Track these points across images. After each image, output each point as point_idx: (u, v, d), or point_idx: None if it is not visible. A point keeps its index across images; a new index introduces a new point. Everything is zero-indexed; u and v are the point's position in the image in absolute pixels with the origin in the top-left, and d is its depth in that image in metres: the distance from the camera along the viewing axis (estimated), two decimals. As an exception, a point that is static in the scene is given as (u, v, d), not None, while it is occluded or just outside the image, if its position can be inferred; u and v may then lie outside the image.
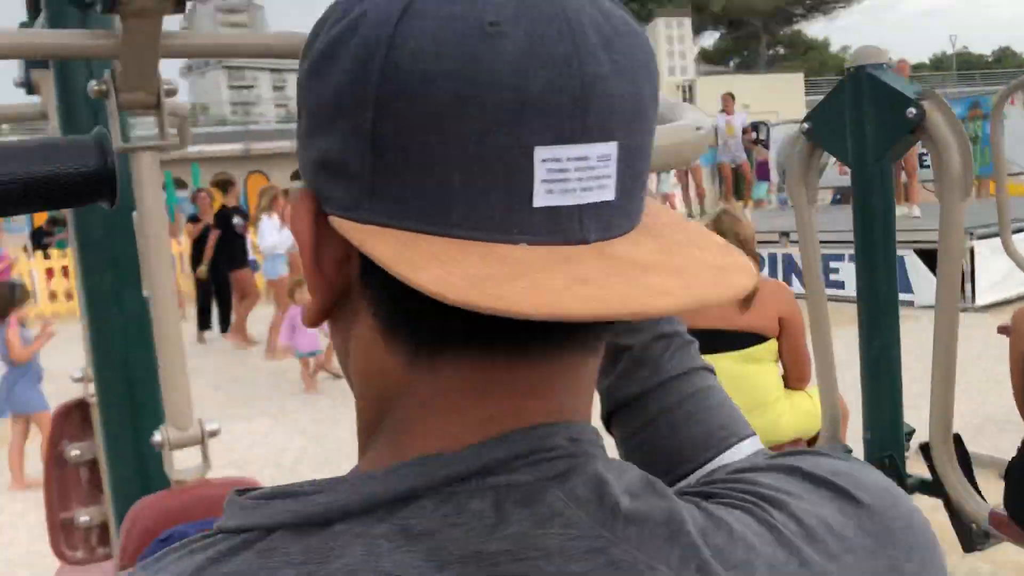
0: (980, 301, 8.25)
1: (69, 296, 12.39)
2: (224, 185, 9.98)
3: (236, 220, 9.37)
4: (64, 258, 12.61)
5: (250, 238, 9.84)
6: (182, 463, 1.43)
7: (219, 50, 1.37)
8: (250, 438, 6.09)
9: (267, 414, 6.72)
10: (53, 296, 12.98)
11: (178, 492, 1.42)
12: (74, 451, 2.08)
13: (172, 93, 1.40)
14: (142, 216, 1.40)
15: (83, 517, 2.07)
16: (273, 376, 8.02)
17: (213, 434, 1.44)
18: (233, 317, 9.73)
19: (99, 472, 2.08)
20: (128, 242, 1.65)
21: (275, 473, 5.30)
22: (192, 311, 10.07)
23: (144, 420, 1.69)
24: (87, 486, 2.09)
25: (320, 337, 7.11)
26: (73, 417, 2.08)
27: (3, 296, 5.74)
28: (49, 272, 13.02)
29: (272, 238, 8.77)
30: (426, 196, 0.42)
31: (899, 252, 2.70)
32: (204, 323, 10.02)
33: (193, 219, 9.89)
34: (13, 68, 2.07)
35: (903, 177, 9.87)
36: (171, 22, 1.21)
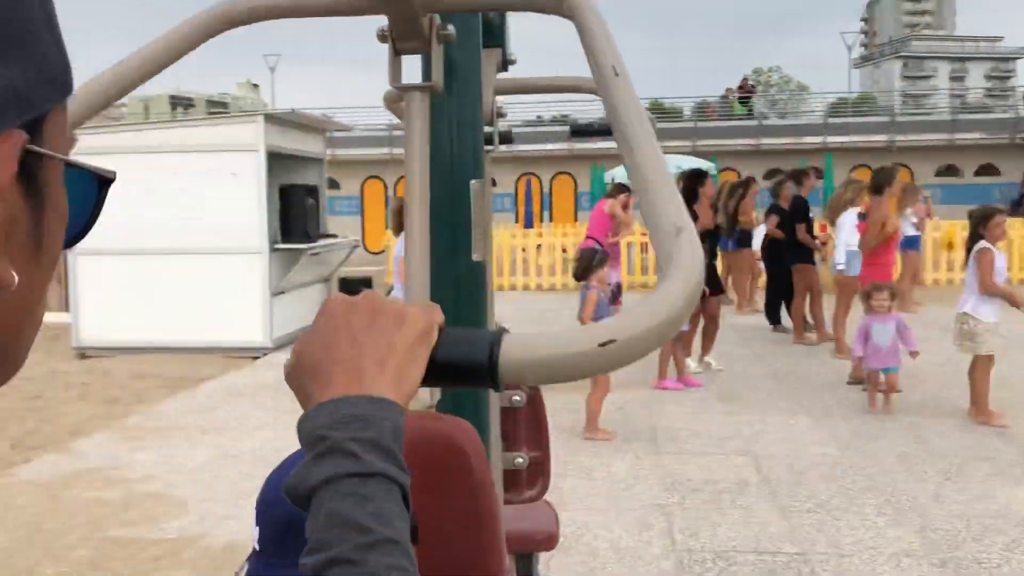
0: None
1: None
2: (798, 176, 9.74)
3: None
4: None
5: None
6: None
7: (483, 5, 1.40)
8: (779, 432, 5.96)
9: (808, 413, 6.48)
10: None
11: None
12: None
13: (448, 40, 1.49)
14: (407, 155, 1.50)
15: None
16: (834, 375, 7.67)
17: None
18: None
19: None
20: (463, 209, 1.79)
21: (784, 474, 5.11)
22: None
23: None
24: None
25: (899, 353, 6.47)
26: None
27: (586, 259, 6.45)
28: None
29: (850, 232, 8.33)
30: None
31: None
32: (773, 317, 9.98)
33: (775, 210, 9.76)
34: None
35: None
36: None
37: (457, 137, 1.81)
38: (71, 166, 0.50)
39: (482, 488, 1.48)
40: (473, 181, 1.80)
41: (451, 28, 1.54)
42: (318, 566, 0.57)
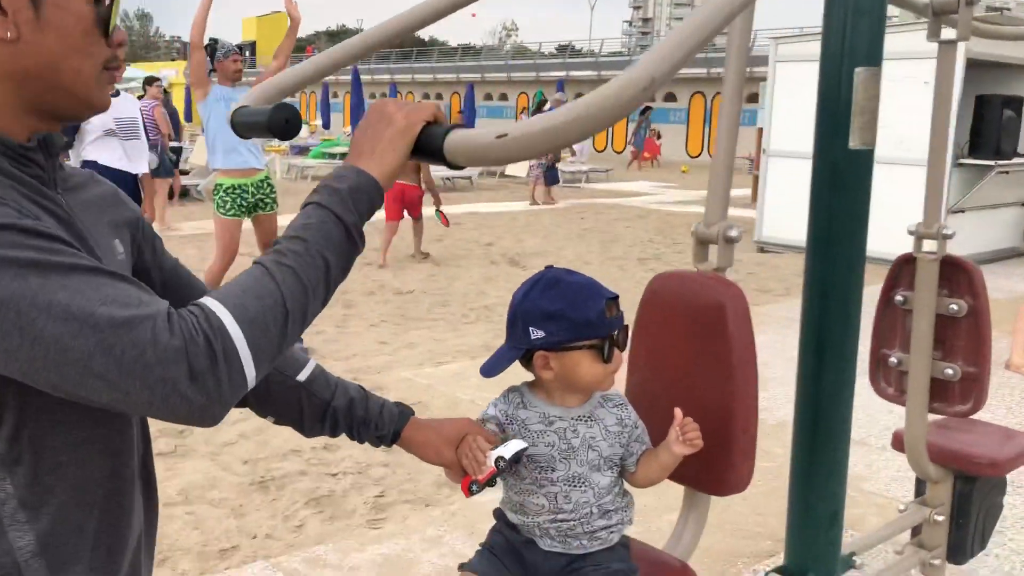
0: None
1: None
2: None
3: None
4: None
5: None
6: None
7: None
8: None
9: None
10: None
11: (686, 276, 1.70)
12: (899, 297, 2.28)
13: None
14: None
15: (892, 359, 2.30)
16: None
17: (729, 239, 1.65)
18: None
19: (905, 325, 2.23)
20: (844, 96, 1.83)
21: None
22: None
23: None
24: (902, 332, 2.27)
25: None
26: (907, 268, 2.26)
27: None
28: None
29: None
30: None
31: None
32: None
33: None
34: None
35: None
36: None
37: (851, 23, 1.81)
38: None
39: (735, 344, 1.63)
40: (859, 69, 1.79)
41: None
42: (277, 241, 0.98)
